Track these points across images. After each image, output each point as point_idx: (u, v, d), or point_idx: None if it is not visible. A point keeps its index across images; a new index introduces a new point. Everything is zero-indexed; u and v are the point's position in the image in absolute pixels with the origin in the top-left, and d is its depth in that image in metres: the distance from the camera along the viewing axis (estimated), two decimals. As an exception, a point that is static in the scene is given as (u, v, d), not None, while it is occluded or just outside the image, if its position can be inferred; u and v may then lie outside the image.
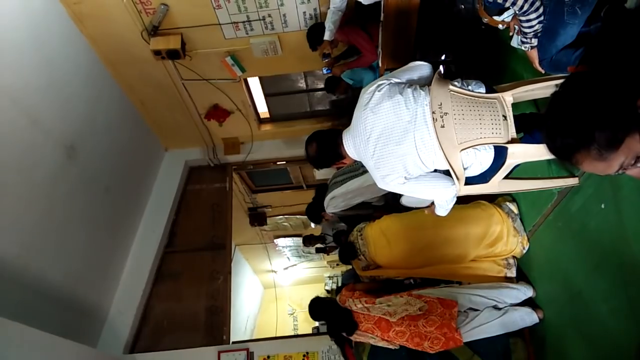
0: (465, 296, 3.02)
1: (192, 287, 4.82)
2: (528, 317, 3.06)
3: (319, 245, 4.86)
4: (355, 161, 2.22)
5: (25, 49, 3.32)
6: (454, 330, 2.81)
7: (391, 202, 3.61)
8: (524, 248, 3.17)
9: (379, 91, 2.02)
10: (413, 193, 2.14)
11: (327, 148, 2.21)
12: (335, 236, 4.08)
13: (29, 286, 3.24)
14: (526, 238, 3.18)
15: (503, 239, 3.15)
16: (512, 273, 3.22)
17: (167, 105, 5.06)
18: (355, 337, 3.06)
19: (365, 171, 2.68)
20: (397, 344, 2.92)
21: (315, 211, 3.91)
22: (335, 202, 3.54)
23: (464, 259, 3.20)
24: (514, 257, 3.25)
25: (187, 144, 5.69)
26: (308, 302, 3.37)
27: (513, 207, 3.25)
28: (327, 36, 3.76)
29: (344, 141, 2.15)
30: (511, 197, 3.34)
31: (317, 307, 3.29)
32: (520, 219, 3.22)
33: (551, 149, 1.09)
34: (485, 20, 2.43)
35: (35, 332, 2.83)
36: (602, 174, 1.06)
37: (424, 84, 2.13)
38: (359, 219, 3.58)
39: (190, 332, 4.49)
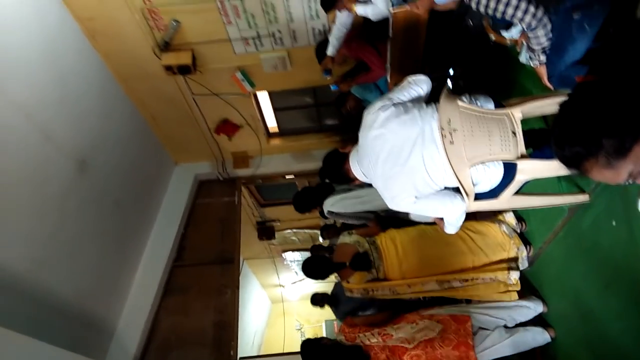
0: (474, 315, 2.98)
1: (200, 301, 4.81)
2: (540, 337, 3.01)
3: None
4: None
5: (39, 65, 3.37)
6: (471, 349, 2.74)
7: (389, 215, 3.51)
8: (518, 249, 3.15)
9: (383, 112, 2.02)
10: (423, 211, 2.13)
11: (335, 178, 2.28)
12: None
13: (38, 300, 3.25)
14: (518, 238, 3.19)
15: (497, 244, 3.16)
16: (514, 280, 3.17)
17: (178, 120, 5.11)
18: None
19: None
20: None
21: (308, 202, 3.68)
22: (344, 203, 3.44)
23: (468, 263, 3.16)
24: (512, 269, 3.21)
25: (196, 158, 5.73)
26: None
27: (501, 217, 3.28)
28: (330, 52, 3.78)
29: (351, 165, 2.18)
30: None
31: (313, 355, 2.99)
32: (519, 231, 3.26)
33: (560, 158, 1.09)
34: (493, 37, 2.44)
35: (44, 345, 2.83)
36: (611, 183, 1.06)
37: (427, 100, 2.14)
38: (352, 227, 3.50)
39: (197, 347, 4.47)
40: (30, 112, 3.24)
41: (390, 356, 2.85)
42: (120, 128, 4.48)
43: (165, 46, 4.16)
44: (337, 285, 3.86)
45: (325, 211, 3.56)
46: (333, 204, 3.48)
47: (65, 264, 3.54)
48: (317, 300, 4.04)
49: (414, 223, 3.31)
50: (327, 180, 2.36)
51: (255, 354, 7.48)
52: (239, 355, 4.41)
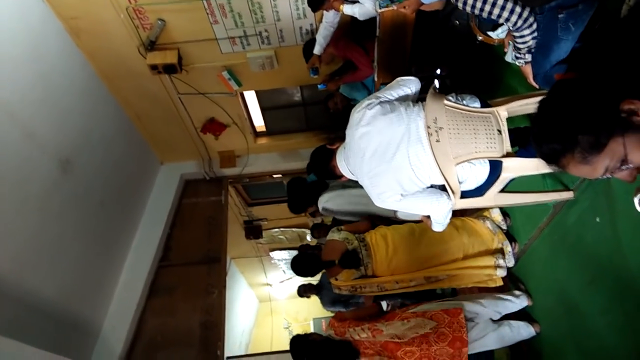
0: (465, 304, 3.00)
1: (187, 302, 4.78)
2: (524, 331, 3.04)
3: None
4: None
5: (22, 64, 3.32)
6: (465, 345, 2.73)
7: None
8: (502, 244, 3.18)
9: (369, 109, 2.03)
10: (409, 209, 2.14)
11: (321, 174, 2.27)
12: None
13: (21, 301, 3.20)
14: (502, 234, 3.20)
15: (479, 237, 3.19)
16: (503, 271, 3.19)
17: (163, 119, 5.07)
18: None
19: None
20: None
21: (302, 202, 3.64)
22: (340, 200, 3.43)
23: (456, 255, 3.17)
24: (499, 267, 3.22)
25: (182, 158, 5.69)
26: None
27: (486, 213, 3.30)
28: (316, 50, 3.79)
29: (337, 162, 2.19)
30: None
31: (303, 351, 2.94)
32: (505, 227, 3.28)
33: (539, 154, 1.12)
34: (480, 38, 2.47)
35: (28, 348, 2.79)
36: (589, 178, 1.08)
37: (415, 99, 2.16)
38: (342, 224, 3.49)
39: (184, 347, 4.44)
40: (12, 110, 3.19)
41: (381, 352, 2.84)
42: (104, 127, 4.43)
43: (151, 45, 4.11)
44: (324, 275, 3.85)
45: (320, 208, 3.54)
46: (328, 200, 3.46)
47: (48, 264, 3.49)
48: (301, 291, 4.05)
49: (403, 222, 3.32)
50: (313, 178, 2.36)
51: (243, 353, 7.45)
52: (226, 355, 4.39)
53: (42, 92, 3.53)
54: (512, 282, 3.28)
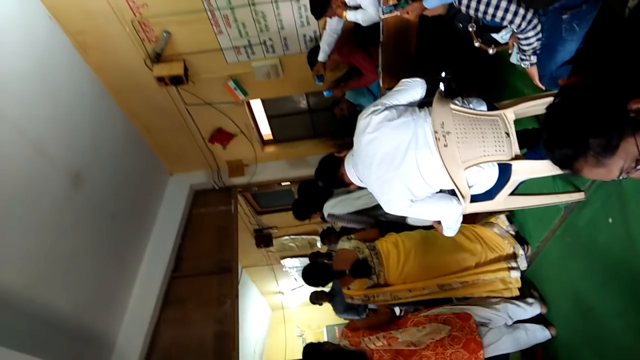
0: (472, 309, 2.97)
1: (200, 312, 4.78)
2: (540, 334, 3.01)
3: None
4: None
5: (30, 80, 3.36)
6: (481, 347, 2.71)
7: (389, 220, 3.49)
8: (514, 247, 3.15)
9: (376, 115, 2.03)
10: (420, 215, 2.13)
11: (330, 182, 2.27)
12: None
13: (36, 316, 3.22)
14: (512, 238, 3.18)
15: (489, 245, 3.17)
16: (514, 279, 3.16)
17: (171, 130, 5.10)
18: None
19: None
20: None
21: (307, 209, 3.67)
22: (345, 203, 3.43)
23: (469, 263, 3.15)
24: (512, 268, 3.19)
25: (191, 168, 5.72)
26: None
27: (493, 220, 3.27)
28: (321, 57, 3.79)
29: (346, 169, 2.19)
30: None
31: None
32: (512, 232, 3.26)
33: (551, 160, 1.11)
34: (477, 44, 2.46)
35: (43, 363, 2.81)
36: (605, 179, 1.07)
37: (420, 103, 2.15)
38: (351, 232, 3.48)
39: (198, 358, 4.44)
40: (22, 127, 3.22)
41: (396, 357, 2.81)
42: (113, 140, 4.46)
43: (157, 57, 4.15)
44: (337, 282, 3.83)
45: (326, 214, 3.52)
46: (333, 205, 3.46)
47: (62, 279, 3.51)
48: (314, 299, 4.04)
49: (413, 228, 3.30)
50: (321, 184, 2.36)
51: (256, 362, 7.46)
52: (241, 364, 4.38)
53: (52, 108, 3.56)
54: (526, 288, 3.24)
